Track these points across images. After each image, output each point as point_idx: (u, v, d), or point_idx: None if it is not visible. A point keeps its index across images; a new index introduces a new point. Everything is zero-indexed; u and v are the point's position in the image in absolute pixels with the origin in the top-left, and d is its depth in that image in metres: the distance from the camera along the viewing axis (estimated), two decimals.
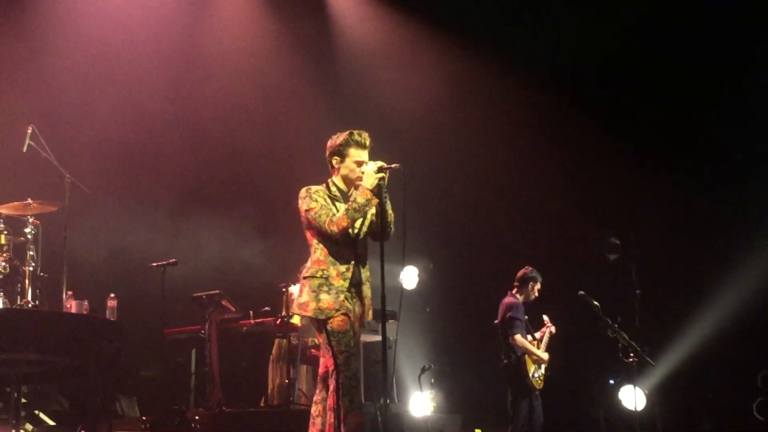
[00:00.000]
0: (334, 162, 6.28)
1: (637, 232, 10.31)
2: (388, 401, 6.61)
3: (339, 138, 6.26)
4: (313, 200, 6.13)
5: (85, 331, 8.43)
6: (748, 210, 10.86)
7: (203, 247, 11.05)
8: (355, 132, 6.25)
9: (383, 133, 9.83)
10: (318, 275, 6.11)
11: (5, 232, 8.68)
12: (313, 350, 9.51)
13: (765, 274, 10.58)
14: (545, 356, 9.06)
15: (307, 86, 11.89)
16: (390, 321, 7.92)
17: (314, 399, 6.30)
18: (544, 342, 9.22)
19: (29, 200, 8.74)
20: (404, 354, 10.78)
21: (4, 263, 8.49)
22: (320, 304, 6.06)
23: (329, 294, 6.07)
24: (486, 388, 10.98)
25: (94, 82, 11.16)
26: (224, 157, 11.82)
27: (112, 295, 8.99)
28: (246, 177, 11.85)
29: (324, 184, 6.28)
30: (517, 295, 9.16)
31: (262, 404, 9.69)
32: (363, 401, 7.57)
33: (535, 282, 9.19)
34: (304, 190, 6.21)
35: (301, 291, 6.22)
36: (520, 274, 9.24)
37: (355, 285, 6.16)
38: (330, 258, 6.13)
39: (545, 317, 9.42)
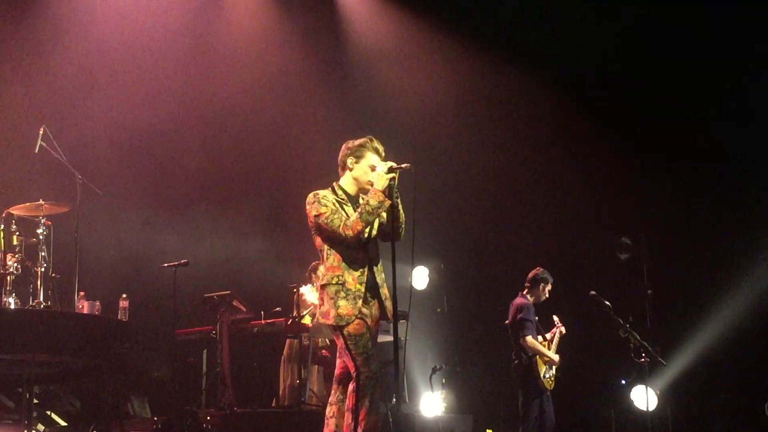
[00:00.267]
0: (349, 162, 6.28)
1: (648, 232, 10.26)
2: (399, 401, 6.60)
3: (358, 140, 6.30)
4: (322, 205, 6.12)
5: (97, 331, 8.45)
6: (762, 210, 10.85)
7: (214, 248, 11.06)
8: (375, 139, 6.30)
9: (393, 133, 9.91)
10: (334, 282, 6.10)
11: (17, 233, 8.70)
12: (324, 351, 9.52)
13: None
14: (556, 357, 9.03)
15: (318, 86, 11.90)
16: (401, 321, 7.91)
17: (330, 400, 6.28)
18: (554, 343, 9.20)
19: (41, 201, 8.75)
20: (415, 354, 10.77)
21: (16, 264, 8.50)
22: (339, 310, 6.05)
23: (347, 300, 6.06)
24: (497, 388, 10.96)
25: (105, 82, 11.20)
26: (235, 158, 11.85)
27: (124, 295, 9.03)
28: (257, 178, 11.86)
29: (330, 188, 6.28)
30: (528, 296, 9.13)
31: (273, 405, 9.70)
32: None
33: (546, 283, 9.16)
34: (311, 195, 6.19)
35: (321, 300, 6.22)
36: (531, 275, 9.20)
37: (371, 288, 6.17)
38: (344, 263, 6.12)
39: (555, 318, 9.40)
